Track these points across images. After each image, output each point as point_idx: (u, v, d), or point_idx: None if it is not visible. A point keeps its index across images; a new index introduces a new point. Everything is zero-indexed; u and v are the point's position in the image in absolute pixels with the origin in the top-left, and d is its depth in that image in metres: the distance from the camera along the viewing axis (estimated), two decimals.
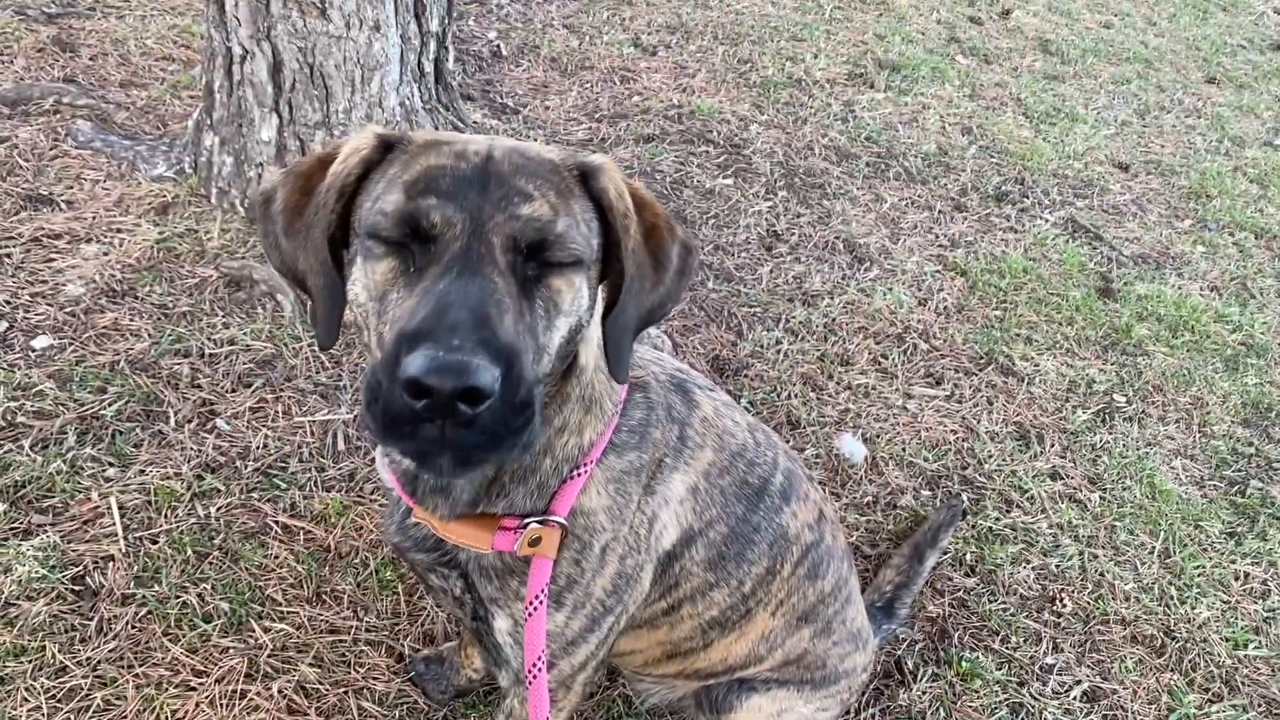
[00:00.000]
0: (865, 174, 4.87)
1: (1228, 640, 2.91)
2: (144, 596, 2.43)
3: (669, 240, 1.44)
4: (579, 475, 1.52)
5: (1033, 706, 2.64)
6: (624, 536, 1.60)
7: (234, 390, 3.02)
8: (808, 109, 5.32)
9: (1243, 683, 2.81)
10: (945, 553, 2.98)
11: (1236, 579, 3.12)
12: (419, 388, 1.08)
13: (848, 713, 2.48)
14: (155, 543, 2.57)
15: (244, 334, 3.17)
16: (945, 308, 4.06)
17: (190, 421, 2.90)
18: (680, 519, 1.69)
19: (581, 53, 5.44)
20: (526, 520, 1.50)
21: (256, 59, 3.21)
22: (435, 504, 1.54)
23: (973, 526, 3.12)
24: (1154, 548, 3.16)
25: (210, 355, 3.09)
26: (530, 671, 1.53)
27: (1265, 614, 3.03)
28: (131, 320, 3.14)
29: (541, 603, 1.51)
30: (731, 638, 1.94)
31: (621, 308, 1.36)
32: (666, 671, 2.07)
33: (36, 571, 2.42)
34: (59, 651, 2.28)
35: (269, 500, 2.74)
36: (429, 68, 3.52)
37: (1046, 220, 4.79)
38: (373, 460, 2.90)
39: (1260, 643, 2.93)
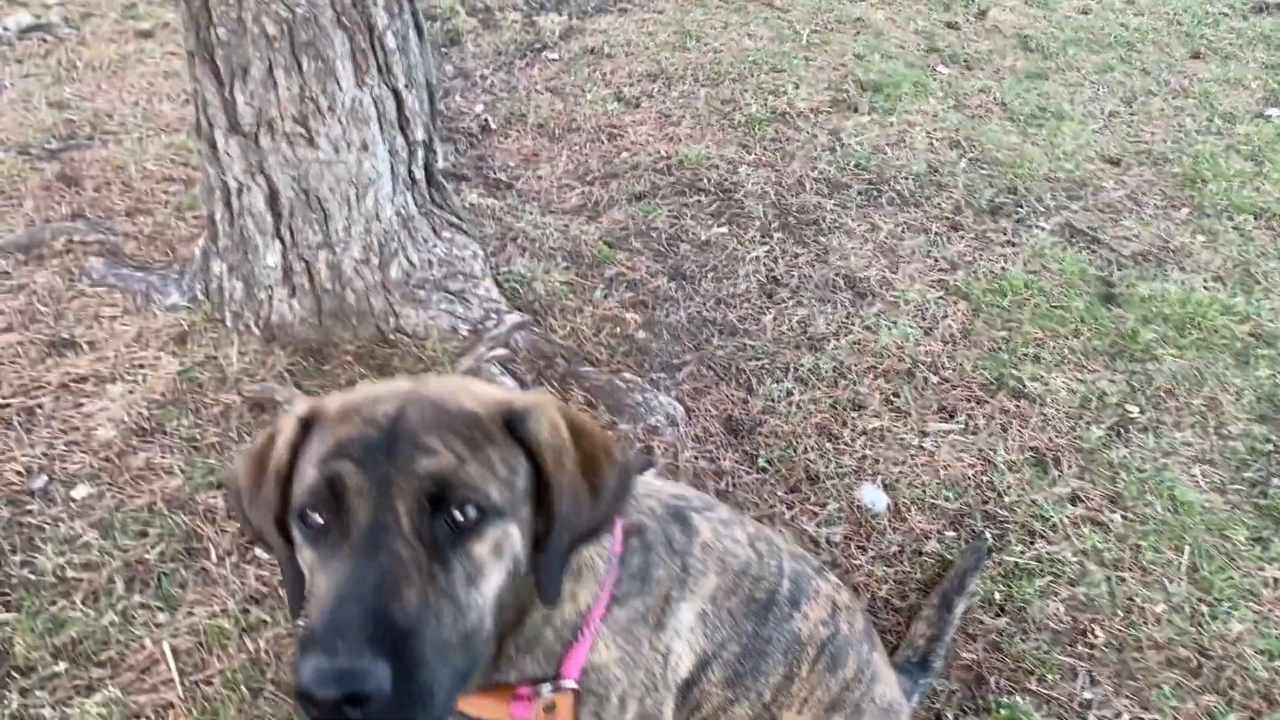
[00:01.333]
0: (858, 203, 4.93)
1: (1262, 653, 2.94)
2: None
3: (607, 468, 1.49)
4: (583, 637, 1.60)
5: None
6: (640, 680, 1.68)
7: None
8: (794, 143, 5.39)
9: None
10: (974, 595, 3.03)
11: (1266, 586, 3.16)
12: (307, 698, 1.12)
13: None
14: (210, 684, 2.68)
15: None
16: (951, 335, 4.11)
17: (230, 554, 3.01)
18: (693, 646, 1.77)
19: (567, 114, 5.54)
20: (539, 687, 1.58)
21: (253, 191, 3.33)
22: None
23: (998, 564, 3.17)
24: (1180, 564, 3.20)
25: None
26: None
27: None
28: (163, 457, 3.26)
29: None
30: None
31: (555, 538, 1.42)
32: None
33: None
34: None
35: None
36: (419, 174, 3.63)
37: (1043, 229, 4.83)
38: None
39: None
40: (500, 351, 3.64)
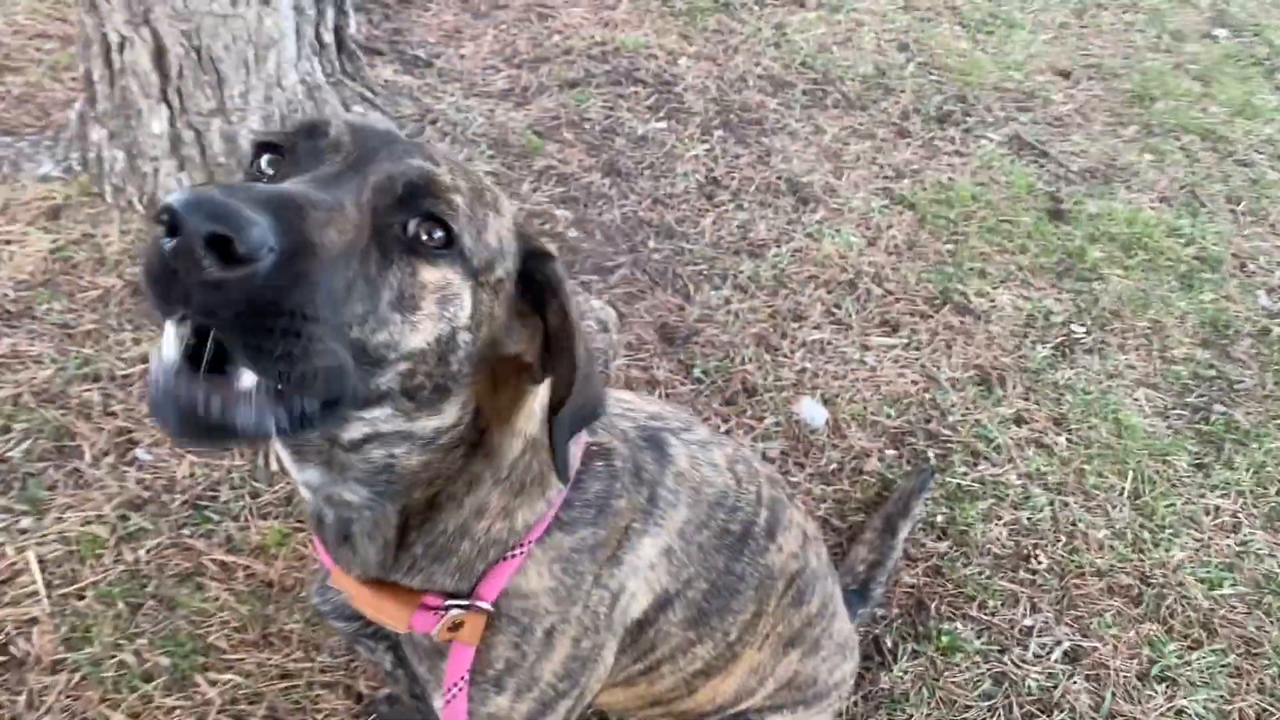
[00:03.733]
0: (803, 103, 4.67)
1: (1203, 581, 2.87)
2: (76, 661, 2.26)
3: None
4: (512, 557, 1.37)
5: (1016, 675, 2.58)
6: (576, 617, 1.45)
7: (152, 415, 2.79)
8: (738, 36, 5.07)
9: (1220, 625, 2.78)
10: (917, 519, 2.88)
11: (1207, 514, 3.08)
12: (170, 218, 0.85)
13: None
14: (82, 598, 2.39)
15: (156, 349, 2.93)
16: (896, 246, 3.91)
17: (107, 455, 2.69)
18: (652, 585, 1.55)
19: None
20: (449, 603, 1.36)
21: (136, 46, 2.91)
22: (344, 558, 1.39)
23: (941, 485, 3.03)
24: (1124, 489, 3.10)
25: (122, 377, 2.86)
26: None
27: (1237, 549, 3.00)
28: (32, 345, 2.89)
29: (460, 690, 1.40)
30: (717, 679, 1.82)
31: (579, 387, 1.21)
32: (651, 714, 1.96)
33: None
34: None
35: (201, 535, 2.55)
36: (329, 37, 3.24)
37: (991, 140, 4.64)
38: None
39: (1234, 580, 2.90)
40: None
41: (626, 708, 1.92)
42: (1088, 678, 2.61)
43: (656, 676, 1.72)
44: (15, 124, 3.61)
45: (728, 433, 3.05)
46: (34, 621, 2.33)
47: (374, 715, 2.26)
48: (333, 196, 1.01)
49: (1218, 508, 3.10)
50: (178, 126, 3.07)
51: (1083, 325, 3.71)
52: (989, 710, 2.51)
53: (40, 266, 3.10)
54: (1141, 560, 2.91)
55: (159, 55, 2.94)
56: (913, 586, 2.76)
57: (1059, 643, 2.68)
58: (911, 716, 2.46)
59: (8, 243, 3.16)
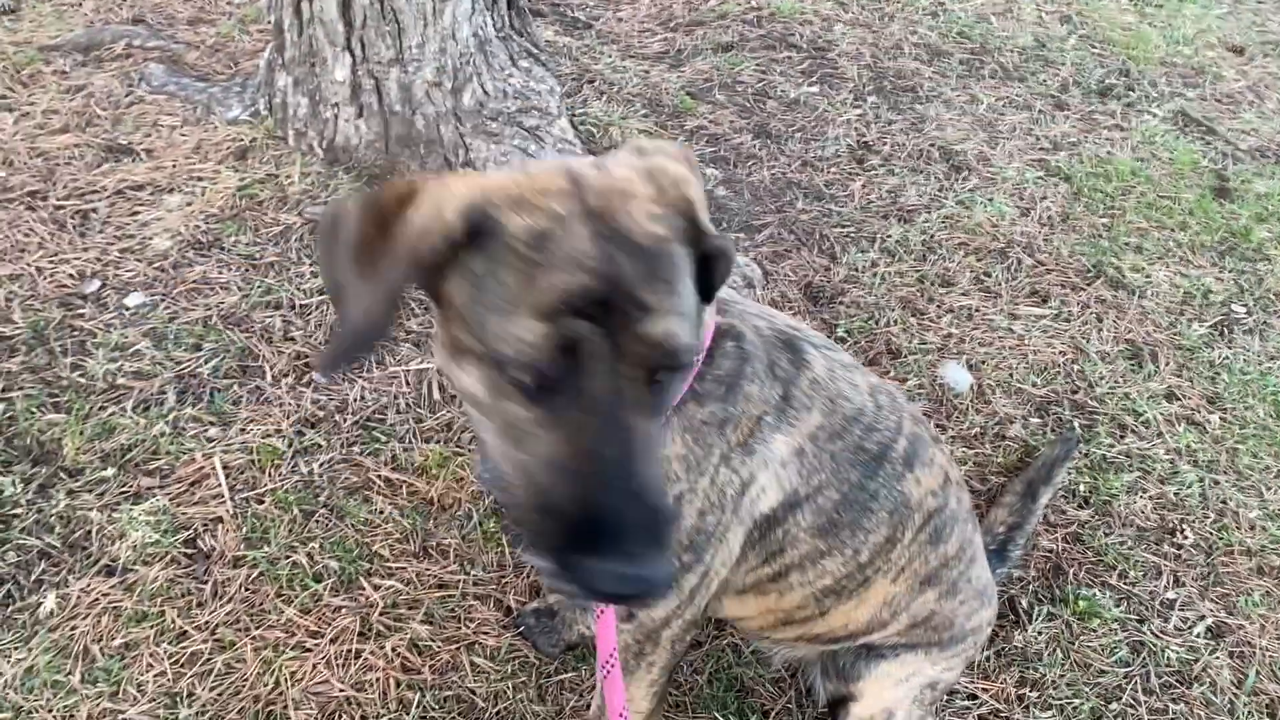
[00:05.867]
0: (959, 73, 4.61)
1: None
2: (255, 558, 2.46)
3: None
4: None
5: (1154, 645, 2.55)
6: (704, 490, 1.55)
7: (327, 342, 3.00)
8: (894, 3, 5.03)
9: None
10: (1058, 486, 2.86)
11: None
12: (608, 598, 1.13)
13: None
14: (261, 503, 2.59)
15: None
16: (1049, 218, 3.85)
17: (286, 376, 2.89)
18: (783, 481, 1.62)
19: None
20: None
21: None
22: None
23: (1086, 455, 2.99)
24: None
25: (301, 306, 3.07)
26: (604, 666, 1.54)
27: None
28: (220, 273, 3.12)
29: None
30: (850, 605, 1.88)
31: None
32: (785, 636, 2.03)
33: (150, 536, 2.46)
34: (178, 616, 2.33)
35: (370, 454, 2.73)
36: None
37: (1155, 115, 4.50)
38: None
39: None
40: None
41: (761, 625, 1.99)
42: (1231, 654, 2.56)
43: (785, 586, 1.79)
44: (208, 70, 3.88)
45: None
46: (219, 520, 2.54)
47: (521, 627, 2.40)
48: (633, 434, 1.15)
49: None
50: (359, 74, 3.25)
51: (1244, 305, 3.58)
52: (1125, 677, 2.49)
53: (229, 202, 3.34)
54: None
55: (345, 5, 3.12)
56: (1051, 551, 2.75)
57: (1202, 617, 2.63)
58: (1044, 676, 2.47)
59: (200, 179, 3.41)
